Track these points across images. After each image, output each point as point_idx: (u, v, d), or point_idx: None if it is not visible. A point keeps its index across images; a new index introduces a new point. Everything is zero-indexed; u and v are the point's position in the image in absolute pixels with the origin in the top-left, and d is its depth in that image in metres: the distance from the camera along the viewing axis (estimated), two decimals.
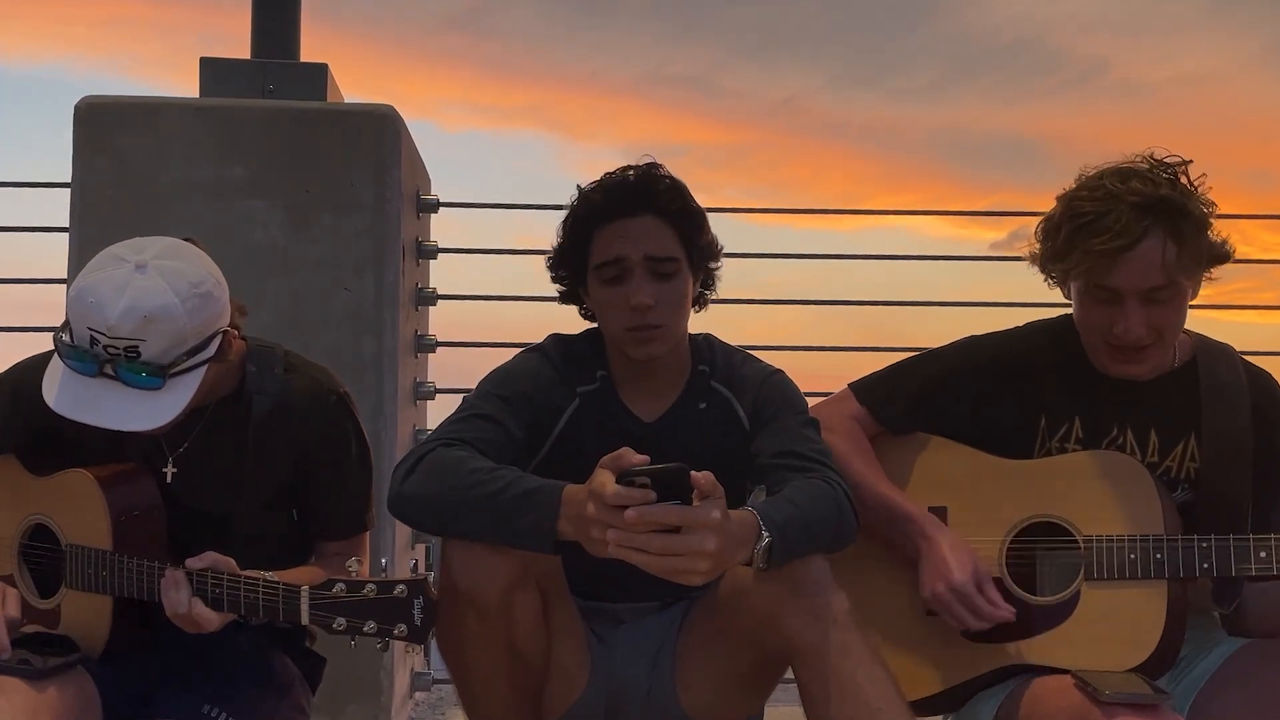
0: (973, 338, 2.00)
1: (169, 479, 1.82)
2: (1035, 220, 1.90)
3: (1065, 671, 1.72)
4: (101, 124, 2.79)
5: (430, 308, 3.28)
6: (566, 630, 1.85)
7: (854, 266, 3.49)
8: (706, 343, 1.98)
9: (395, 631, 1.55)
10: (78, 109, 2.80)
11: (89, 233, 2.75)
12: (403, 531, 2.88)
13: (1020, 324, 2.02)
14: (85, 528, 1.77)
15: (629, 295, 1.83)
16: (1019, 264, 1.92)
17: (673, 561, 1.50)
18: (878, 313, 3.51)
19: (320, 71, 3.01)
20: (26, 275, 3.38)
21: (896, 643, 1.85)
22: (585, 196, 1.91)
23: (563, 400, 1.89)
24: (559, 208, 3.33)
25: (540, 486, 1.62)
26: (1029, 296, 2.01)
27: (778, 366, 1.98)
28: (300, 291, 2.77)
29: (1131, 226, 1.71)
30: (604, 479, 1.52)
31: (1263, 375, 1.93)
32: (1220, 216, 1.85)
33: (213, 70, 2.97)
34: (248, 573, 1.66)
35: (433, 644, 1.73)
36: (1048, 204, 1.88)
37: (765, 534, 1.60)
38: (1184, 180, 1.79)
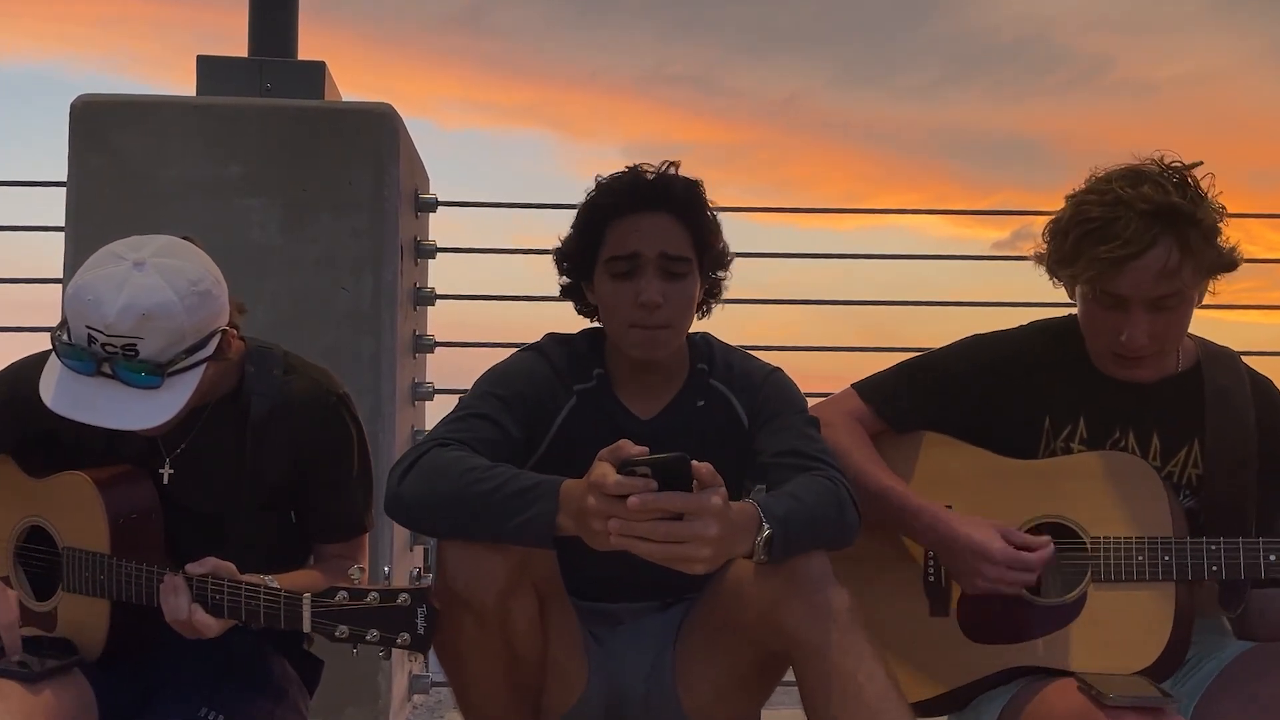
0: (976, 337, 1.99)
1: (166, 480, 1.81)
2: (1038, 219, 1.91)
3: (1070, 674, 1.71)
4: (98, 122, 2.78)
5: (429, 307, 3.27)
6: (564, 632, 1.85)
7: (855, 266, 3.49)
8: (705, 341, 1.97)
9: (398, 640, 1.55)
10: (74, 107, 2.79)
11: (85, 232, 2.74)
12: (401, 534, 2.87)
13: (1024, 323, 2.01)
14: (82, 530, 1.76)
15: (638, 291, 1.82)
16: (1022, 263, 1.94)
17: (675, 549, 1.50)
18: (879, 312, 3.52)
19: (318, 69, 3.00)
20: (22, 275, 3.38)
21: (899, 643, 1.84)
22: (604, 187, 1.90)
23: (560, 399, 1.89)
24: (559, 206, 3.30)
25: (538, 482, 1.61)
26: (1032, 296, 2.01)
27: (777, 365, 1.97)
28: (298, 291, 2.76)
29: (1140, 234, 1.70)
30: (604, 470, 1.51)
31: (1265, 382, 1.93)
32: (1226, 215, 1.84)
33: (210, 68, 2.96)
34: (248, 578, 1.65)
35: (432, 645, 1.72)
36: (1051, 203, 1.89)
37: (766, 526, 1.59)
38: (1193, 183, 1.78)
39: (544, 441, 1.88)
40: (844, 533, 1.71)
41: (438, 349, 3.27)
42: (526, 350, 1.96)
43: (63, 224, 2.81)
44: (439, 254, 3.25)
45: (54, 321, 1.72)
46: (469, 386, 1.92)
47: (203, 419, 1.80)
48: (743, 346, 2.05)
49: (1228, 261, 1.79)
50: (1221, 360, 1.91)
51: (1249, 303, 3.61)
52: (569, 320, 2.00)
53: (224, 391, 1.82)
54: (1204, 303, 1.87)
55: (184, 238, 1.75)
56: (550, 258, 1.99)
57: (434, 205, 3.21)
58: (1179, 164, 1.78)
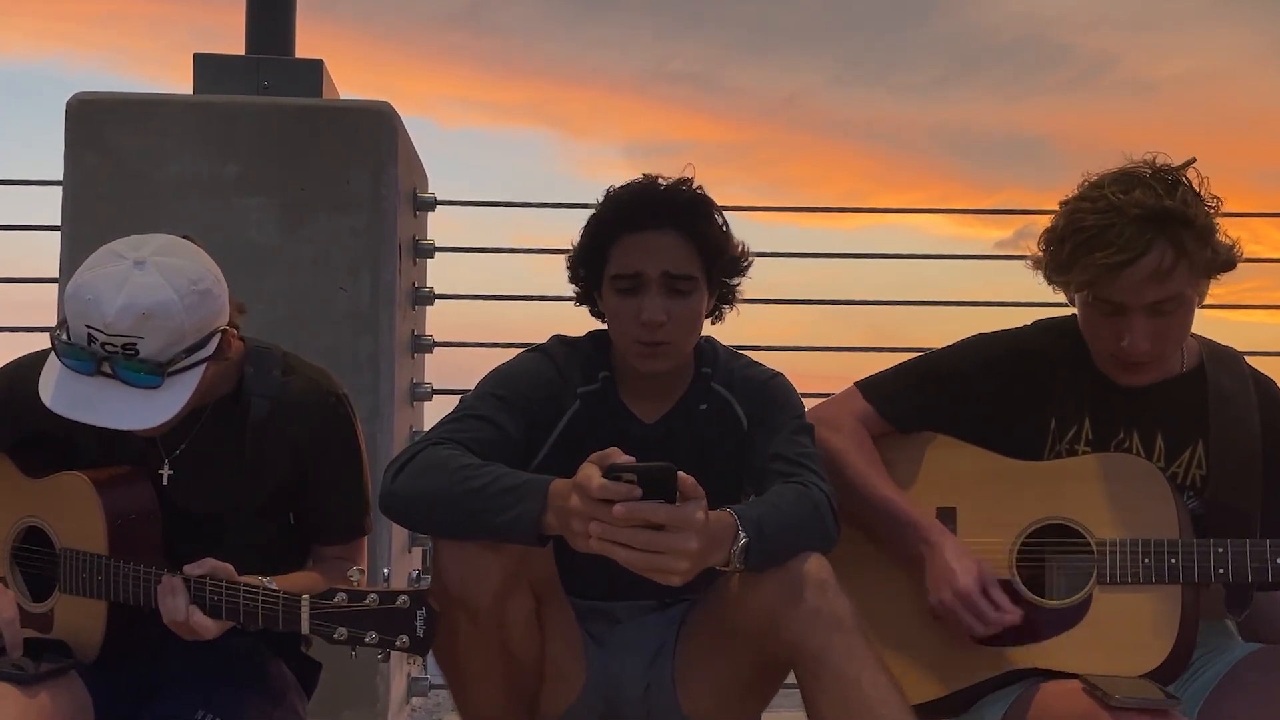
0: (980, 336, 1.98)
1: (165, 481, 1.80)
2: (1041, 218, 1.89)
3: (1074, 676, 1.70)
4: (94, 121, 2.76)
5: (427, 307, 3.25)
6: (561, 632, 1.85)
7: (857, 266, 3.48)
8: (709, 345, 1.97)
9: (397, 643, 1.54)
10: (70, 105, 2.77)
11: (81, 231, 2.73)
12: (399, 535, 2.86)
13: (1028, 323, 2.01)
14: (80, 531, 1.75)
15: (641, 309, 1.82)
16: (1025, 263, 1.91)
17: (653, 559, 1.50)
18: (881, 312, 3.51)
19: (316, 68, 2.99)
20: (18, 275, 3.36)
21: (901, 645, 1.84)
22: (611, 201, 1.90)
23: (564, 401, 1.89)
24: (558, 206, 3.29)
25: (527, 480, 1.62)
26: (1035, 296, 2.00)
27: (779, 368, 1.97)
28: (295, 291, 2.75)
29: (1135, 240, 1.70)
30: (590, 472, 1.52)
31: (1268, 383, 1.92)
32: (1229, 215, 1.84)
33: (207, 66, 2.94)
34: (247, 579, 1.64)
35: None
36: (1054, 202, 1.87)
37: (742, 535, 1.60)
38: (1190, 181, 1.77)
39: (547, 444, 1.87)
40: (822, 540, 1.71)
41: (436, 349, 3.25)
42: (532, 351, 1.96)
43: (59, 223, 2.80)
44: (438, 253, 3.24)
45: (50, 321, 1.71)
46: (468, 387, 1.92)
47: (202, 420, 1.80)
48: (744, 347, 2.05)
49: (1226, 261, 1.78)
50: (1225, 360, 1.90)
51: (1253, 302, 3.60)
52: (568, 320, 2.02)
53: (223, 392, 1.81)
54: (1209, 302, 1.86)
55: (183, 237, 1.74)
56: (549, 257, 1.98)
57: (433, 204, 3.20)
58: (1169, 166, 1.78)
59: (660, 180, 1.88)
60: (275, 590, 1.61)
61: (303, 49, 3.11)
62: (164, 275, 1.62)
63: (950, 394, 1.93)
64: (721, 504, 1.60)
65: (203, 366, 1.67)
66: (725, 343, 2.01)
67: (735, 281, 1.94)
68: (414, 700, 3.15)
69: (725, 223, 1.91)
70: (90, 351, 1.62)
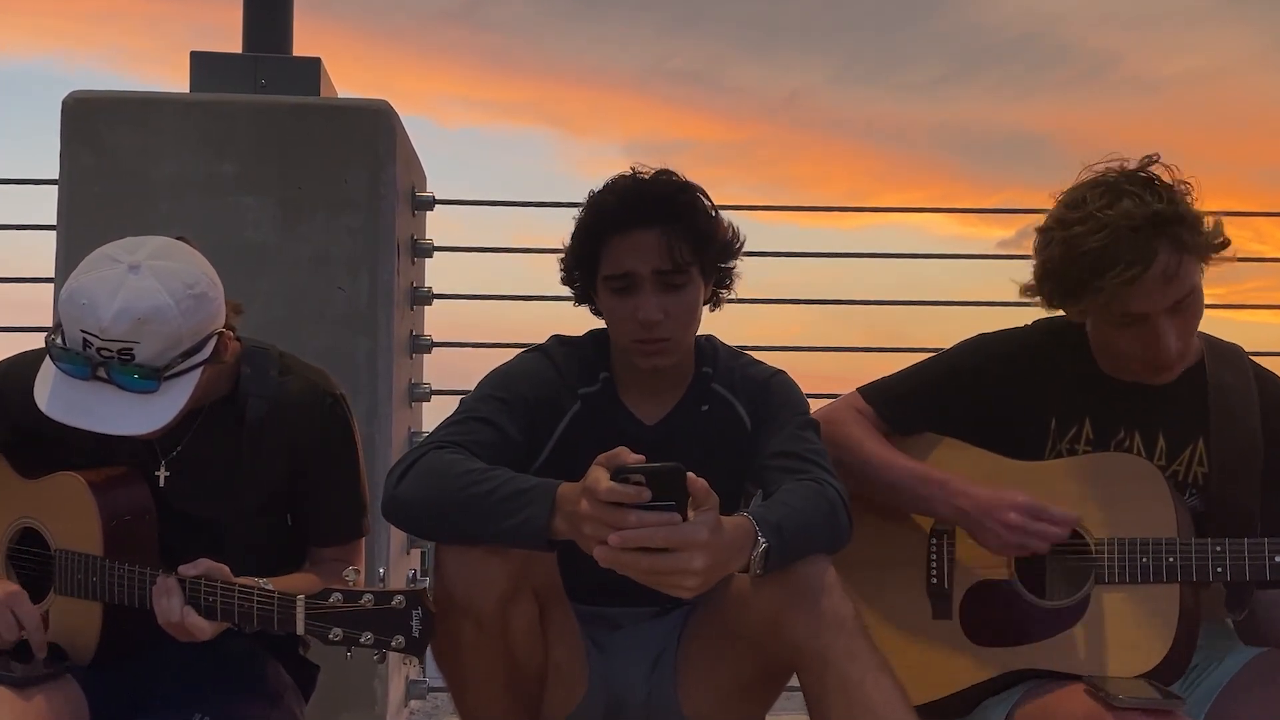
0: (981, 336, 1.98)
1: (161, 483, 1.80)
2: (1044, 218, 1.87)
3: (1075, 677, 1.70)
4: (90, 119, 2.75)
5: (426, 307, 3.25)
6: (564, 637, 1.84)
7: (859, 265, 3.47)
8: (709, 344, 1.96)
9: (392, 643, 1.53)
10: (65, 104, 2.77)
11: (77, 230, 2.72)
12: (398, 536, 2.86)
13: (1029, 323, 2.00)
14: (75, 532, 1.74)
15: (637, 308, 1.81)
16: (1027, 262, 1.90)
17: (660, 580, 1.49)
18: (883, 312, 3.50)
19: (313, 66, 2.98)
20: (13, 274, 3.35)
21: (903, 646, 1.84)
22: (595, 204, 1.88)
23: (564, 403, 1.87)
24: (557, 205, 3.27)
25: (534, 485, 1.60)
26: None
27: (781, 368, 1.96)
28: (293, 290, 2.74)
29: (1141, 251, 1.70)
30: (598, 475, 1.50)
31: (1272, 379, 1.91)
32: (1233, 214, 1.85)
33: (204, 64, 2.94)
34: (242, 580, 1.64)
35: (428, 651, 1.69)
36: (1037, 236, 1.85)
37: (762, 540, 1.58)
38: (1160, 174, 1.77)
39: (547, 445, 1.86)
40: (837, 537, 1.70)
41: (435, 349, 3.24)
42: (531, 352, 1.94)
43: (54, 222, 2.78)
44: (436, 253, 3.23)
45: (46, 321, 1.71)
46: (467, 387, 1.90)
47: (199, 421, 1.79)
48: (745, 347, 2.04)
49: (1218, 241, 1.78)
50: (1227, 357, 1.90)
51: (1257, 302, 3.57)
52: (568, 320, 2.01)
53: (220, 393, 1.80)
54: (1213, 302, 1.87)
55: (179, 238, 1.74)
56: (549, 257, 1.98)
57: (431, 203, 3.19)
58: (1132, 169, 1.77)
59: (641, 173, 1.86)
60: (270, 591, 1.60)
61: (300, 47, 3.11)
62: (159, 279, 1.61)
63: (951, 395, 1.93)
64: (724, 505, 1.58)
65: (199, 370, 1.67)
66: (727, 343, 2.00)
67: (731, 265, 1.92)
68: (412, 703, 3.14)
69: (713, 207, 1.88)
70: (86, 356, 1.61)
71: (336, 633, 1.54)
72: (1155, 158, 1.78)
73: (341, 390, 1.88)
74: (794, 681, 1.73)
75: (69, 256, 2.67)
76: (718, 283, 1.92)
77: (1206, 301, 1.82)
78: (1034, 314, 2.01)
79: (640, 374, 1.88)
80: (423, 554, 3.19)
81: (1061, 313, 1.86)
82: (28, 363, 1.76)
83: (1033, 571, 1.84)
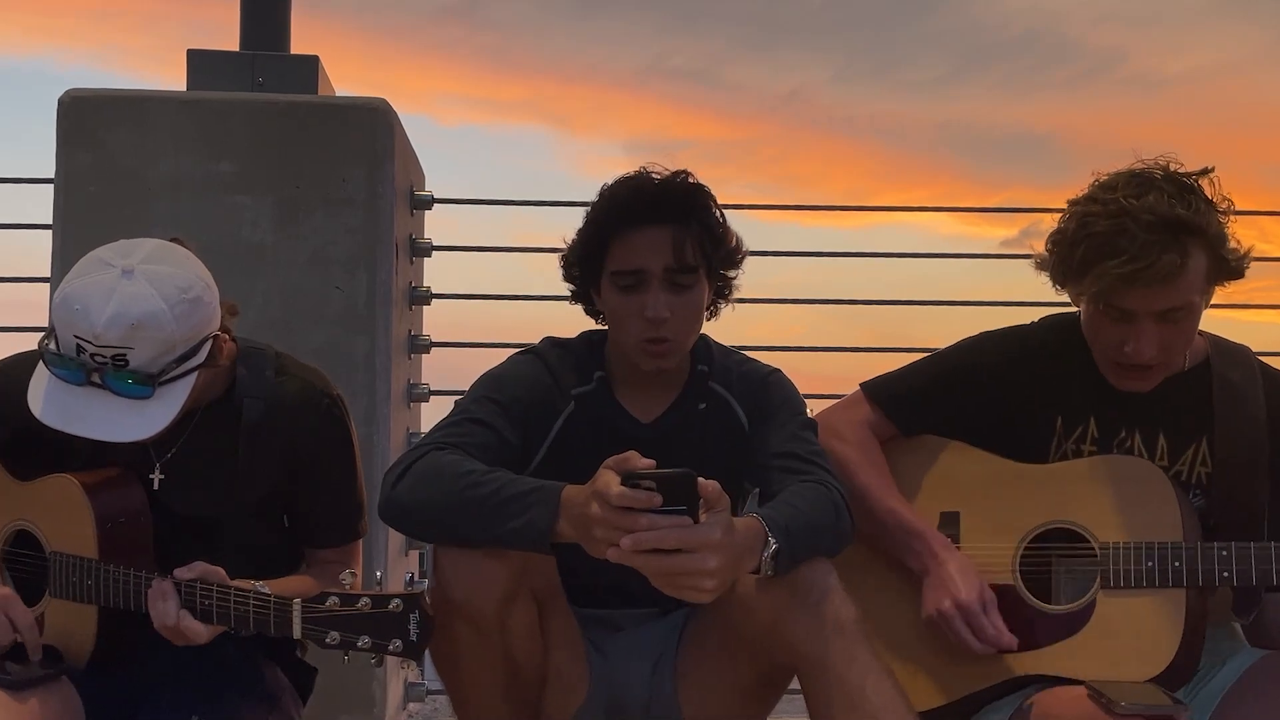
0: (986, 334, 1.97)
1: (156, 485, 1.79)
2: (1047, 217, 1.89)
3: (1078, 683, 1.69)
4: (86, 118, 2.74)
5: (424, 307, 3.23)
6: (564, 640, 1.83)
7: (860, 265, 3.46)
8: (703, 342, 1.95)
9: (390, 647, 1.52)
10: (62, 102, 2.75)
11: (73, 230, 2.71)
12: (395, 539, 2.85)
13: (1035, 320, 1.99)
14: (70, 535, 1.74)
15: (644, 306, 1.80)
16: (1030, 262, 1.90)
17: (677, 580, 1.49)
18: (885, 312, 3.49)
19: (311, 64, 2.96)
20: (9, 274, 3.33)
21: (904, 651, 1.83)
22: (607, 197, 1.87)
23: (558, 404, 1.87)
24: (557, 204, 3.26)
25: (538, 486, 1.60)
26: (1040, 295, 1.98)
27: (781, 368, 1.96)
28: (290, 290, 2.73)
29: (1147, 248, 1.68)
30: (609, 479, 1.49)
31: (1279, 378, 1.89)
32: (1238, 213, 1.82)
33: (200, 62, 2.92)
34: (238, 583, 1.63)
35: (427, 654, 1.70)
36: (1060, 200, 1.86)
37: (772, 541, 1.58)
38: (1204, 187, 1.75)
39: (542, 447, 1.86)
40: (840, 539, 1.71)
41: (433, 349, 3.23)
42: (524, 353, 1.94)
43: (50, 222, 2.77)
44: (435, 252, 3.21)
45: (41, 321, 1.70)
46: (465, 388, 1.90)
47: (194, 423, 1.78)
48: (745, 347, 2.03)
49: (1235, 269, 1.77)
50: (1234, 356, 1.88)
51: (1262, 302, 3.57)
52: (568, 320, 2.00)
53: (215, 395, 1.79)
54: (1216, 303, 1.86)
55: (174, 238, 1.73)
56: (548, 256, 1.96)
57: (429, 202, 3.18)
58: (1182, 170, 1.76)
59: (655, 173, 1.85)
60: (267, 594, 1.59)
61: (298, 45, 3.09)
62: (153, 284, 1.61)
63: (957, 394, 1.92)
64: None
65: (194, 374, 1.66)
66: (726, 343, 2.00)
67: (732, 275, 1.92)
68: (411, 706, 3.14)
69: (722, 214, 1.89)
70: (79, 362, 1.61)
71: (334, 636, 1.54)
72: (1210, 169, 1.77)
73: (338, 391, 1.87)
74: (795, 685, 1.72)
75: (65, 256, 2.66)
76: (718, 292, 1.91)
77: (1212, 301, 1.81)
78: (1037, 314, 2.01)
79: (636, 373, 1.87)
80: (421, 556, 3.18)
81: (1065, 300, 1.85)
82: (22, 365, 1.75)
83: (1038, 576, 1.83)
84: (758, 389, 1.89)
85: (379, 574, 1.67)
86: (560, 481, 1.60)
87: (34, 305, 3.30)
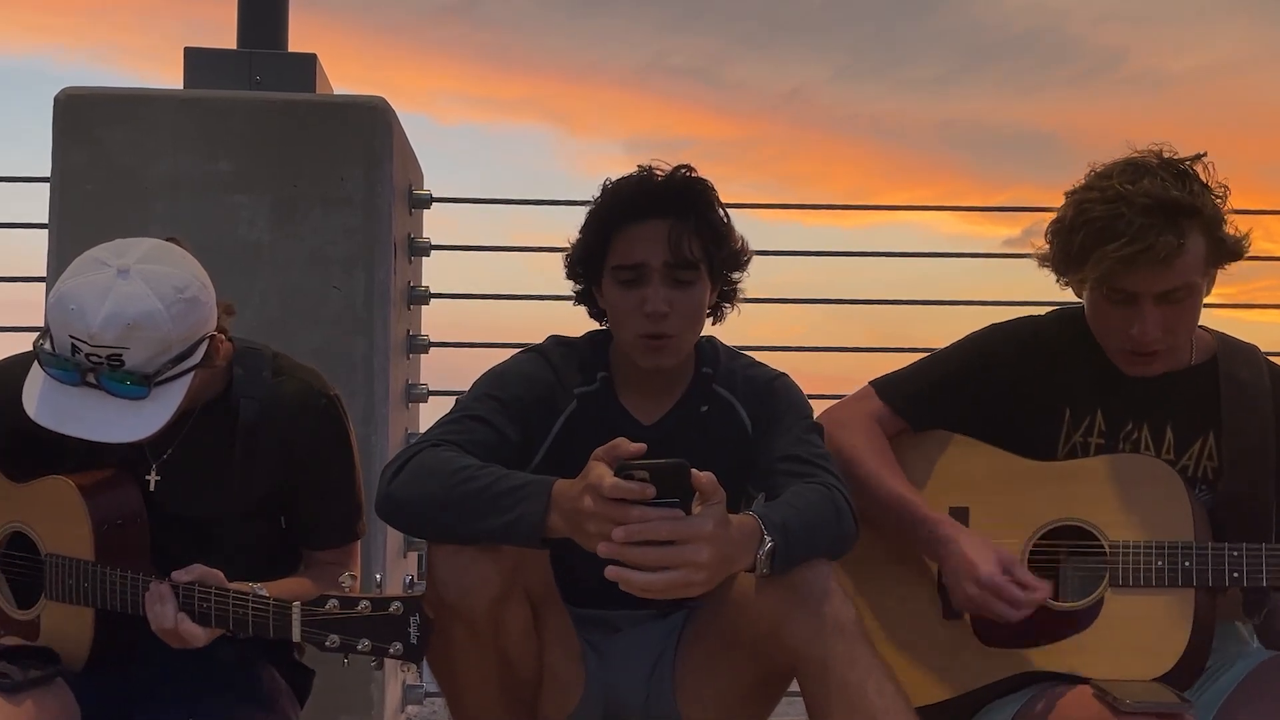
0: (994, 327, 1.97)
1: (152, 486, 1.78)
2: (1050, 216, 1.89)
3: (1084, 681, 1.68)
4: (82, 116, 2.73)
5: (423, 307, 3.22)
6: (559, 640, 1.83)
7: (863, 264, 3.46)
8: (709, 345, 1.94)
9: (390, 650, 1.52)
10: (58, 100, 2.74)
11: (69, 229, 2.69)
12: (394, 541, 2.84)
13: (1042, 313, 1.99)
14: (66, 537, 1.73)
15: (644, 300, 1.79)
16: (1033, 261, 1.90)
17: (669, 577, 1.48)
18: (887, 312, 3.48)
19: (309, 62, 2.95)
20: (5, 273, 3.32)
21: (907, 647, 1.83)
22: (610, 192, 1.87)
23: (560, 402, 1.86)
24: (556, 203, 3.25)
25: (528, 481, 1.60)
26: (1044, 295, 1.99)
27: (783, 369, 1.95)
28: (288, 289, 2.71)
29: (1145, 230, 1.69)
30: (601, 472, 1.49)
31: None
32: (1243, 212, 1.84)
33: (198, 60, 2.91)
34: (236, 586, 1.62)
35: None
36: (1062, 199, 1.85)
37: (768, 538, 1.57)
38: (1199, 172, 1.77)
39: (543, 445, 1.85)
40: (841, 541, 1.70)
41: (432, 349, 3.21)
42: (527, 352, 1.93)
43: (46, 221, 2.75)
44: (433, 251, 3.20)
45: (37, 321, 1.69)
46: (464, 388, 1.89)
47: (190, 424, 1.77)
48: (747, 347, 2.03)
49: (1235, 249, 1.78)
50: (1241, 353, 1.89)
51: (1266, 302, 3.55)
52: (567, 320, 1.99)
53: (212, 395, 1.78)
54: (1222, 301, 1.87)
55: (170, 238, 1.72)
56: (548, 256, 1.96)
57: (428, 201, 3.17)
58: (1177, 156, 1.77)
59: (658, 171, 1.85)
60: (265, 597, 1.59)
61: (296, 43, 3.08)
62: (149, 284, 1.60)
63: (967, 388, 1.91)
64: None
65: (190, 375, 1.65)
66: (728, 343, 1.99)
67: (736, 277, 1.91)
68: (409, 708, 3.13)
69: (726, 213, 1.88)
70: (75, 362, 1.60)
71: (333, 640, 1.53)
72: (1202, 155, 1.78)
73: (335, 391, 1.86)
74: (794, 687, 1.72)
75: (61, 255, 2.64)
76: (722, 295, 1.91)
77: (1216, 300, 1.82)
78: (1041, 312, 2.00)
79: (639, 374, 1.87)
80: (419, 557, 3.17)
81: (1069, 299, 1.85)
82: (16, 365, 1.74)
83: (1046, 573, 1.81)
84: (763, 393, 1.88)
85: (378, 576, 1.66)
86: (554, 476, 1.59)
87: (30, 305, 3.30)
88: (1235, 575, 1.71)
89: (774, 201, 3.64)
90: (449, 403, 1.90)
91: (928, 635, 1.83)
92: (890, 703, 1.59)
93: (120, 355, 1.58)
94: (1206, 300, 1.83)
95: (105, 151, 2.71)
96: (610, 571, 1.48)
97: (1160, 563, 1.73)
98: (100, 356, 1.58)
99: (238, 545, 1.78)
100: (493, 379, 1.86)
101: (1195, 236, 1.72)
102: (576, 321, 1.98)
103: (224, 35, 3.06)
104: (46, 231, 2.75)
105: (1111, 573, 1.76)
